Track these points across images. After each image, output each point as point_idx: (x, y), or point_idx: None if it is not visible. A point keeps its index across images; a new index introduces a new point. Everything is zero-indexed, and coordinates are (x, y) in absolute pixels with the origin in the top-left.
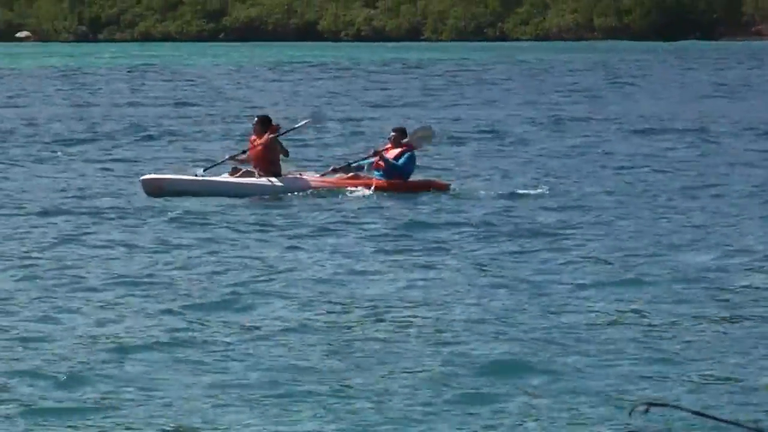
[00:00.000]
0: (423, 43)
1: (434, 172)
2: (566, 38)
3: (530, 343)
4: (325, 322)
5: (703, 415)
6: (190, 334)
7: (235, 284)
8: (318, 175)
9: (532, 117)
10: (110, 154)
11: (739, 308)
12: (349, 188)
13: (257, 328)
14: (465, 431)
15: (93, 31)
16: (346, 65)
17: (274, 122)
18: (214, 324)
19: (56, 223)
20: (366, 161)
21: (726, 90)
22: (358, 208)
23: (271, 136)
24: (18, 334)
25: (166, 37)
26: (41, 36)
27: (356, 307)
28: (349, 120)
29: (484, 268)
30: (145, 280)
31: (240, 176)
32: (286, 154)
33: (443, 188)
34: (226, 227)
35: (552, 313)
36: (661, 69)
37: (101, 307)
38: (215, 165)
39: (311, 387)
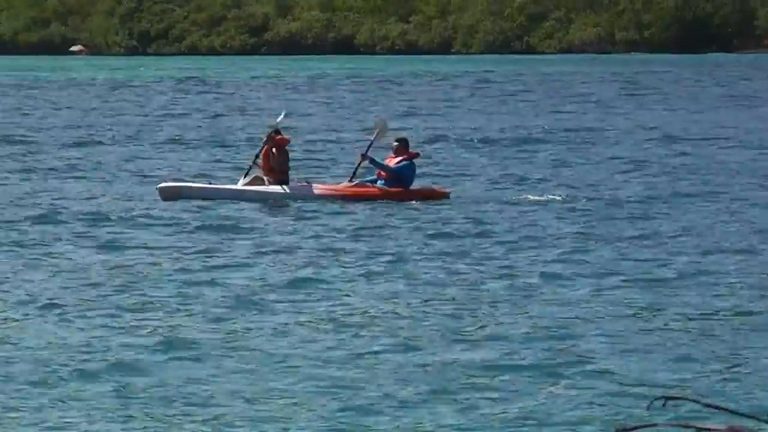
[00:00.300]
0: (453, 56)
1: (441, 180)
2: (589, 51)
3: (543, 340)
4: (328, 324)
5: (718, 407)
6: (201, 334)
7: (240, 287)
8: (322, 183)
9: (547, 126)
10: (143, 161)
11: (751, 305)
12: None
13: (263, 328)
14: (484, 428)
15: (142, 45)
16: (379, 77)
17: (284, 135)
18: (227, 323)
19: (83, 225)
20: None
21: (737, 100)
22: (360, 215)
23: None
24: (46, 335)
25: (211, 51)
26: (94, 50)
27: (358, 311)
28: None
29: (482, 270)
30: (144, 282)
31: (250, 183)
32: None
33: (443, 196)
34: (235, 232)
35: (563, 311)
36: (677, 80)
37: (124, 306)
38: (248, 170)
39: (318, 387)
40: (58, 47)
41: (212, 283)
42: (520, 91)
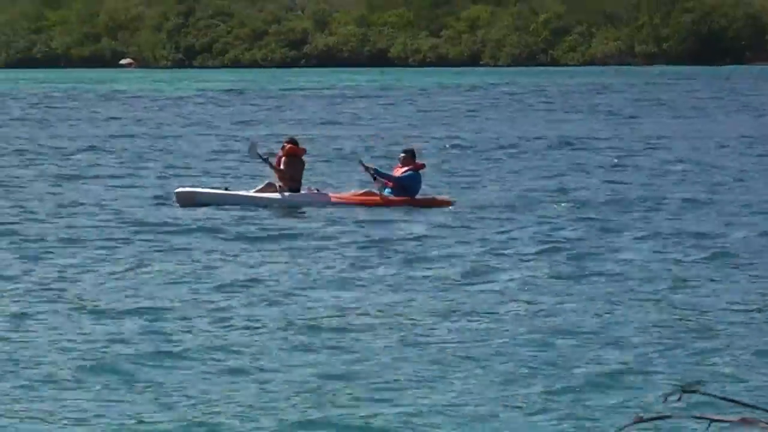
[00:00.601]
0: (481, 68)
1: (447, 187)
2: (610, 63)
3: (559, 336)
4: (334, 326)
5: (731, 400)
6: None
7: (252, 289)
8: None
9: (562, 135)
10: (175, 169)
11: (765, 300)
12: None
13: (272, 328)
14: (505, 420)
15: (188, 58)
16: (408, 88)
17: (299, 146)
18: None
19: (102, 227)
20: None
21: (743, 107)
22: (367, 222)
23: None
24: (66, 334)
25: (253, 64)
26: (141, 63)
27: (363, 314)
28: (392, 135)
29: (484, 275)
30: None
31: (262, 189)
32: (271, 167)
33: (446, 204)
34: (246, 236)
35: (579, 309)
36: (688, 90)
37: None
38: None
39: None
40: (108, 61)
41: (222, 286)
42: (540, 102)
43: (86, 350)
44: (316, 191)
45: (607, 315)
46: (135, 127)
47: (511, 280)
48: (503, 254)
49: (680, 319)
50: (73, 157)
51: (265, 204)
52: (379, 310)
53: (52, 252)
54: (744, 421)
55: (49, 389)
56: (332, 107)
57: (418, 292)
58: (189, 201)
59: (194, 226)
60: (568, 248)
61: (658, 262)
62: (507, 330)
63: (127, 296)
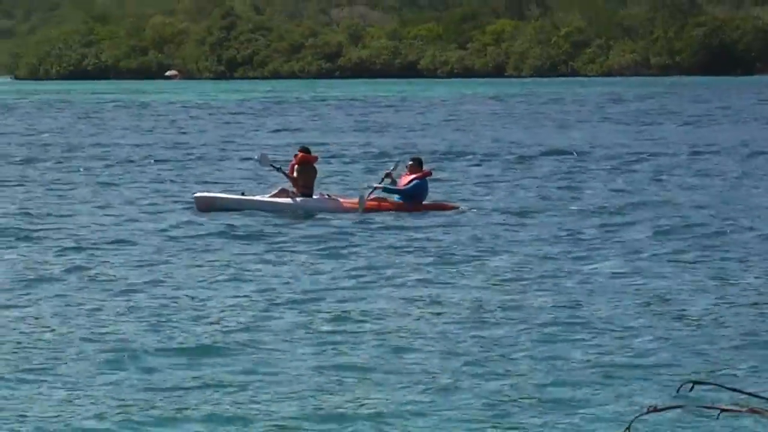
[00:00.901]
0: (506, 79)
1: (455, 192)
2: (626, 74)
3: (576, 331)
4: (350, 325)
5: (740, 391)
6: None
7: (265, 290)
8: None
9: (576, 142)
10: (203, 174)
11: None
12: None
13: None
14: (522, 411)
15: (230, 69)
16: (434, 98)
17: (311, 154)
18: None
19: (122, 229)
20: (388, 186)
21: (750, 116)
22: (375, 226)
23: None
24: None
25: (290, 75)
26: (186, 74)
27: (370, 314)
28: (417, 142)
29: (490, 274)
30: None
31: (276, 195)
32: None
33: (454, 208)
34: (260, 239)
35: (594, 305)
36: (697, 100)
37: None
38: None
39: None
40: (154, 72)
41: (236, 286)
42: (559, 110)
43: (112, 341)
44: (327, 197)
45: (617, 311)
46: (174, 135)
47: (516, 278)
48: (507, 253)
49: (689, 315)
50: (112, 162)
51: (280, 209)
52: (389, 308)
53: (77, 250)
54: (752, 411)
55: (81, 381)
56: (363, 116)
57: (425, 291)
58: (207, 206)
59: (212, 230)
60: (574, 247)
61: (665, 261)
62: (517, 325)
63: (148, 293)
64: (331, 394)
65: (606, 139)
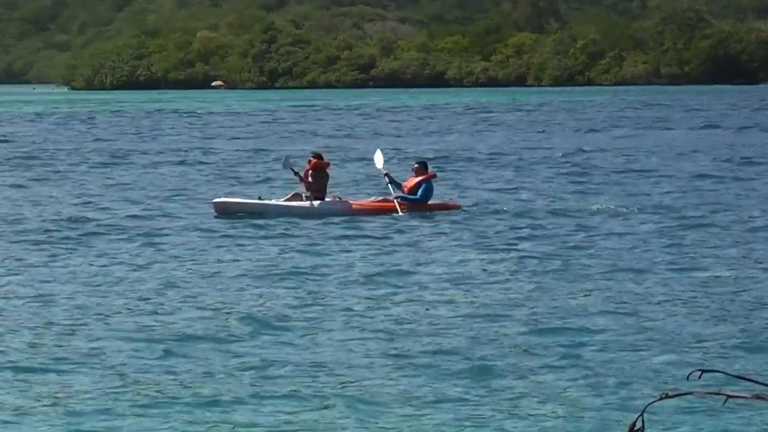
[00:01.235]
0: (526, 88)
1: (460, 192)
2: (638, 83)
3: (593, 324)
4: (348, 317)
5: (746, 378)
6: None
7: (282, 286)
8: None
9: (585, 145)
10: (228, 179)
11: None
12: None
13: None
14: (538, 393)
15: (271, 80)
16: (463, 105)
17: (324, 159)
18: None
19: (145, 231)
20: (395, 186)
21: (751, 123)
22: (383, 224)
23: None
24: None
25: (327, 85)
26: (230, 84)
27: (380, 306)
28: (442, 146)
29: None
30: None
31: (291, 198)
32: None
33: (455, 208)
34: (277, 239)
35: (594, 297)
36: (706, 108)
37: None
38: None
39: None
40: (200, 83)
41: (255, 283)
42: (575, 117)
43: (136, 330)
44: (339, 199)
45: (626, 305)
46: (215, 141)
47: (521, 271)
48: (508, 249)
49: (702, 308)
50: (154, 165)
51: (294, 212)
52: (395, 301)
53: (100, 245)
54: (758, 398)
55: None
56: (392, 122)
57: (427, 284)
58: (226, 210)
59: (231, 231)
60: (580, 243)
61: (672, 255)
62: (526, 317)
63: (168, 289)
64: (330, 388)
65: (615, 143)
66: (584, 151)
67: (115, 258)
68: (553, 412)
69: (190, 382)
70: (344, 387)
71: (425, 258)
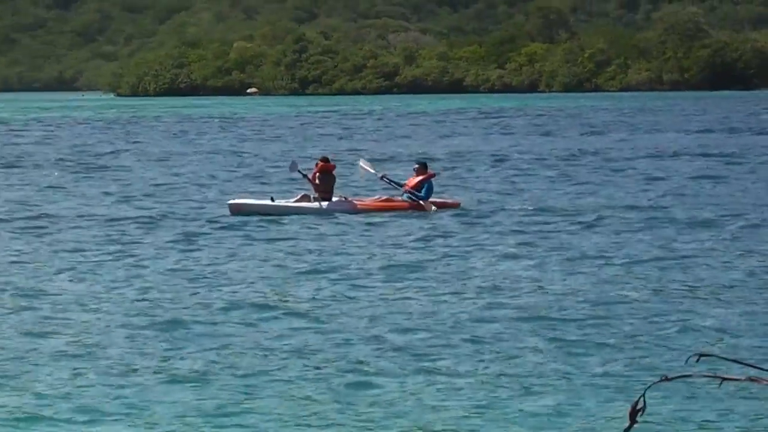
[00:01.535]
0: (538, 94)
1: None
2: (642, 89)
3: (585, 312)
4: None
5: (740, 362)
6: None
7: (295, 280)
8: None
9: (583, 147)
10: (249, 180)
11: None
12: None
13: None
14: (542, 376)
15: (302, 87)
16: (480, 110)
17: (331, 162)
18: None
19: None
20: (399, 185)
21: (746, 126)
22: (385, 221)
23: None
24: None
25: (354, 92)
26: (264, 91)
27: (388, 297)
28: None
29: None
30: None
31: (300, 200)
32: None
33: (455, 206)
34: (288, 238)
35: (593, 288)
36: (704, 112)
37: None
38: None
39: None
40: (237, 90)
41: (271, 276)
42: (579, 122)
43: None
44: (345, 199)
45: (625, 295)
46: (248, 143)
47: (520, 263)
48: (507, 244)
49: (699, 298)
50: (187, 166)
51: (303, 212)
52: (400, 292)
53: (121, 239)
54: (751, 380)
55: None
56: (411, 125)
57: (426, 276)
58: (239, 210)
59: (246, 231)
60: (577, 236)
61: (668, 246)
62: (530, 308)
63: (184, 283)
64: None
65: (616, 145)
66: (585, 152)
67: (136, 251)
68: (559, 395)
69: (199, 360)
70: (347, 372)
71: (424, 253)
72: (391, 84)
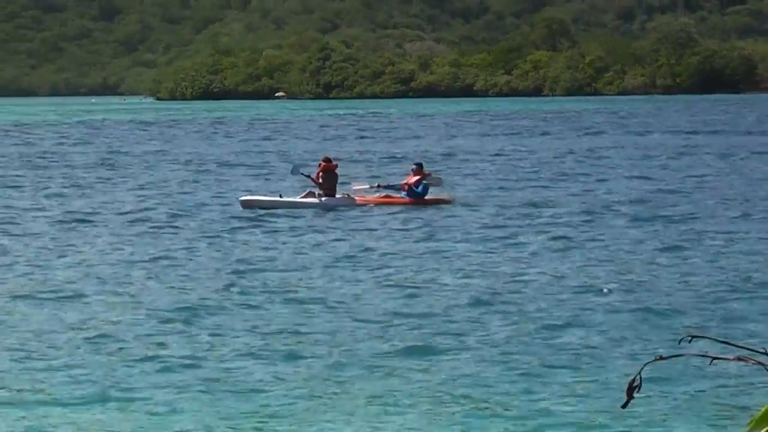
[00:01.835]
0: (542, 98)
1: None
2: (637, 93)
3: (584, 298)
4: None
5: (730, 343)
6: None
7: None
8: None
9: (577, 147)
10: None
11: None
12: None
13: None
14: (538, 357)
15: (326, 91)
16: (489, 113)
17: (333, 162)
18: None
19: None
20: (396, 185)
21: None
22: (385, 216)
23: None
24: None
25: (373, 96)
26: (291, 95)
27: (390, 286)
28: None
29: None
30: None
31: (305, 196)
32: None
33: (448, 202)
34: (296, 231)
35: (589, 276)
36: (694, 113)
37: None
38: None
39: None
40: (266, 94)
41: (282, 266)
42: (577, 124)
43: (173, 307)
44: (346, 196)
45: (621, 282)
46: (270, 142)
47: (517, 253)
48: (497, 237)
49: (686, 282)
50: (214, 165)
51: (309, 207)
52: (396, 281)
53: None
54: (738, 359)
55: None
56: (422, 126)
57: (423, 266)
58: (250, 206)
59: (259, 223)
60: (571, 227)
61: (661, 238)
62: (529, 294)
63: (198, 275)
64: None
65: (608, 144)
66: (578, 151)
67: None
68: (561, 374)
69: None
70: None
71: (417, 244)
72: (407, 89)
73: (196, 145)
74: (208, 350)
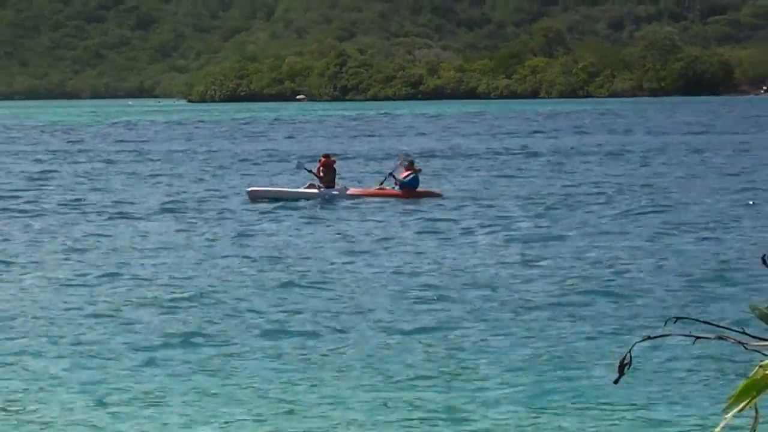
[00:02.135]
0: (539, 100)
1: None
2: (626, 96)
3: (576, 283)
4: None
5: (712, 324)
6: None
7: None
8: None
9: (567, 145)
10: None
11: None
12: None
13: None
14: (540, 340)
15: (342, 94)
16: (491, 114)
17: (332, 157)
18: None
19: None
20: (393, 178)
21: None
22: (379, 207)
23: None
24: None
25: (385, 98)
26: (310, 98)
27: (385, 276)
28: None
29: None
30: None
31: (308, 187)
32: (316, 176)
33: (438, 195)
34: (296, 219)
35: (595, 264)
36: (677, 113)
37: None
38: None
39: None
40: (288, 97)
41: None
42: (568, 124)
43: (183, 298)
44: (345, 188)
45: (611, 270)
46: (285, 142)
47: (511, 245)
48: (484, 230)
49: (673, 268)
50: (236, 160)
51: (310, 197)
52: (391, 270)
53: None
54: (719, 338)
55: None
56: (427, 124)
57: (418, 256)
58: (257, 197)
59: (263, 212)
60: (563, 221)
61: (644, 228)
62: (524, 281)
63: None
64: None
65: (597, 142)
66: (568, 147)
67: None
68: (556, 354)
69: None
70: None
71: (405, 233)
72: (416, 92)
73: (221, 144)
74: (202, 335)
